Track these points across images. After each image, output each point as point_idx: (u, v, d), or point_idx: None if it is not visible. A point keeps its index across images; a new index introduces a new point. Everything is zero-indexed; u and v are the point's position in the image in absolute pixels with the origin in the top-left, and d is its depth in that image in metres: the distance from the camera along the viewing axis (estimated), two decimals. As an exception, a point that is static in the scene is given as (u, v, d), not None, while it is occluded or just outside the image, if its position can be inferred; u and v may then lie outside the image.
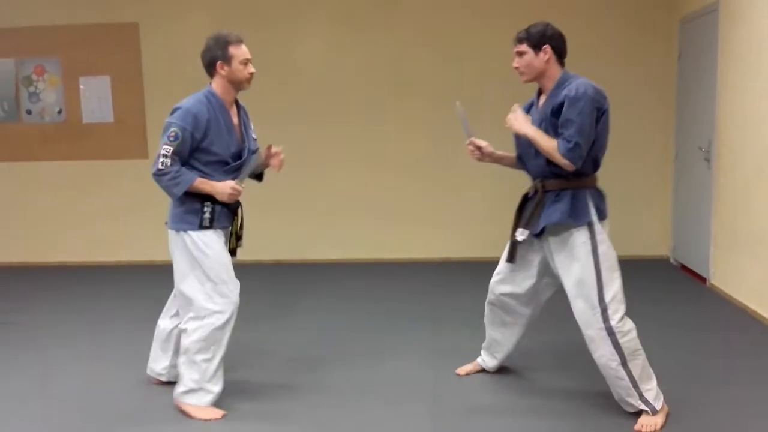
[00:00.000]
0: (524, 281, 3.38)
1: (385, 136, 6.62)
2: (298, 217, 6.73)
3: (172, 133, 3.17)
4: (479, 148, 3.33)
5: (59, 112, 6.80)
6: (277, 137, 6.61)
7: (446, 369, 3.77)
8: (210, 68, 3.32)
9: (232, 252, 3.44)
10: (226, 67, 3.26)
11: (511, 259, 3.33)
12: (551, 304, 3.52)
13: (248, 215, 6.78)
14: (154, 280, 6.17)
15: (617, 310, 3.06)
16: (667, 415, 3.11)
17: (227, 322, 3.23)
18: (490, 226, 6.60)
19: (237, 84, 3.32)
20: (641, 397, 3.05)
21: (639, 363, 3.05)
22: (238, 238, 3.49)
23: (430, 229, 6.66)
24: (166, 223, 3.38)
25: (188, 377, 3.23)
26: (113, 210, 6.87)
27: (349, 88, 6.59)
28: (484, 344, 3.70)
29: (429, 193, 6.66)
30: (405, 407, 3.31)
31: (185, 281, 3.26)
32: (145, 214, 6.85)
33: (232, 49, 3.25)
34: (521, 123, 3.11)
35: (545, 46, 3.05)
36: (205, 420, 3.19)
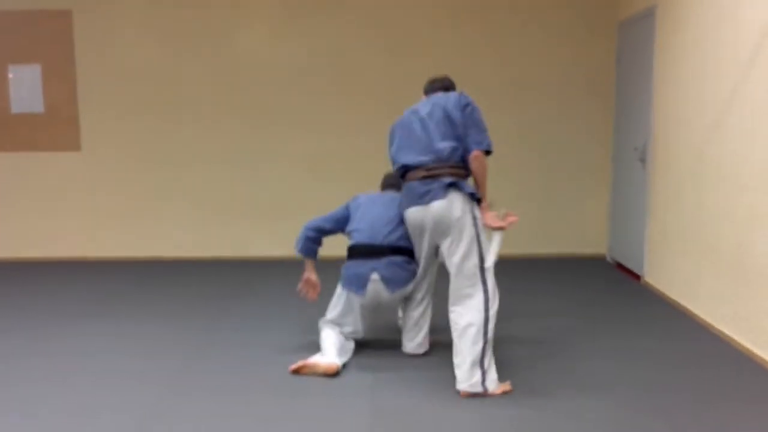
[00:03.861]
0: None
1: (327, 130, 6.56)
2: (238, 214, 6.62)
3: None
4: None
5: (-14, 100, 6.51)
6: (214, 131, 6.56)
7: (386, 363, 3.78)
8: (450, 90, 3.90)
9: None
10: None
11: None
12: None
13: (186, 211, 6.62)
14: (86, 276, 6.01)
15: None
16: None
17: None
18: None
19: None
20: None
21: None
22: None
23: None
24: (361, 301, 3.86)
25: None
26: (43, 204, 6.63)
27: (290, 80, 6.50)
28: None
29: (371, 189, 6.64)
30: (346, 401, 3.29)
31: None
32: (76, 208, 6.65)
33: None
34: (493, 221, 3.63)
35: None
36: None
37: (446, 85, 3.86)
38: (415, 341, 3.93)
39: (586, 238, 6.67)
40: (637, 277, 5.74)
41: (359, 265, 3.82)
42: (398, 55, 6.44)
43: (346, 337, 3.95)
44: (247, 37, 6.49)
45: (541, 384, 3.53)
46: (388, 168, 6.79)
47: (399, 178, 3.82)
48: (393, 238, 3.81)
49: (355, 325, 3.93)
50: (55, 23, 6.39)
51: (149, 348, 4.13)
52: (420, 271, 3.86)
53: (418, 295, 3.91)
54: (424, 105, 3.71)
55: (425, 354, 3.94)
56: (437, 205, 3.48)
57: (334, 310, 3.96)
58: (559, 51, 6.42)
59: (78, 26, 6.42)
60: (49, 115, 6.51)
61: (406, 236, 3.82)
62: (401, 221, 3.82)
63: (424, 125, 3.61)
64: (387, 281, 3.77)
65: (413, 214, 3.63)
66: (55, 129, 6.52)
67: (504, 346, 4.07)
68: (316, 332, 4.05)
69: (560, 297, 5.20)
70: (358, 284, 3.81)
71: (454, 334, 3.47)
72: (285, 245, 5.96)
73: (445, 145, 3.53)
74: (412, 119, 3.70)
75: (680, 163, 4.93)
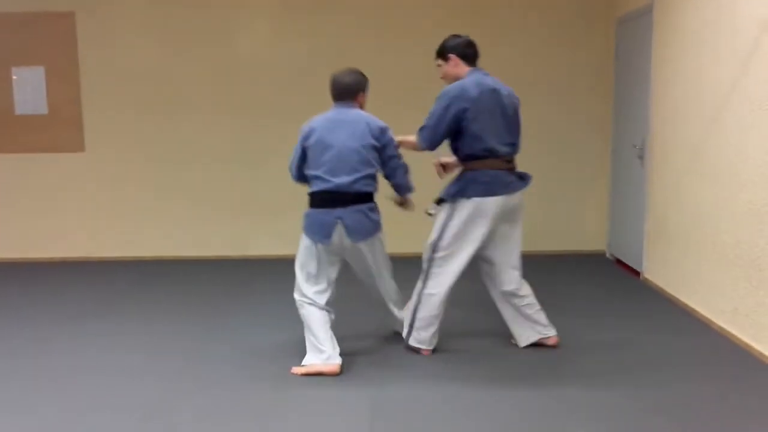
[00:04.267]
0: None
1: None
2: (240, 213, 6.67)
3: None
4: (443, 166, 4.10)
5: (-10, 102, 6.55)
6: (216, 131, 6.60)
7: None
8: (353, 94, 3.85)
9: None
10: (363, 98, 3.93)
11: None
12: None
13: (188, 211, 6.67)
14: (89, 276, 6.06)
15: (439, 265, 3.84)
16: None
17: None
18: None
19: (362, 109, 3.94)
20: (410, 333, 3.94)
21: (424, 316, 3.88)
22: None
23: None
24: (328, 243, 3.70)
25: None
26: (47, 204, 6.68)
27: (291, 79, 6.54)
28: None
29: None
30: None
31: (386, 266, 4.01)
32: (80, 208, 6.70)
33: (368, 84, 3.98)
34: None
35: (449, 55, 3.85)
36: None
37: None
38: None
39: (585, 234, 6.71)
40: (637, 273, 5.78)
41: (324, 214, 3.66)
42: (397, 54, 6.48)
43: (326, 308, 3.78)
44: (248, 36, 6.53)
45: (541, 379, 3.57)
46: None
47: (478, 159, 3.78)
48: (359, 185, 3.65)
49: (328, 279, 3.79)
50: (58, 25, 6.43)
51: (151, 347, 4.18)
52: (456, 252, 3.82)
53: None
54: (500, 87, 3.81)
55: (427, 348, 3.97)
56: (519, 195, 3.86)
57: (306, 268, 3.77)
58: (558, 49, 6.46)
59: (81, 28, 6.46)
60: (53, 116, 6.55)
61: (372, 177, 3.70)
62: (367, 157, 3.65)
63: (505, 115, 3.80)
64: (350, 230, 3.65)
65: (497, 202, 3.75)
66: (58, 130, 6.57)
67: (504, 341, 4.11)
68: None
69: (560, 293, 5.24)
70: (322, 233, 3.66)
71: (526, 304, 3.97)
72: (286, 244, 5.99)
73: (517, 142, 3.91)
74: (495, 103, 3.76)
75: (679, 159, 4.97)
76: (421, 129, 3.79)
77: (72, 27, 6.45)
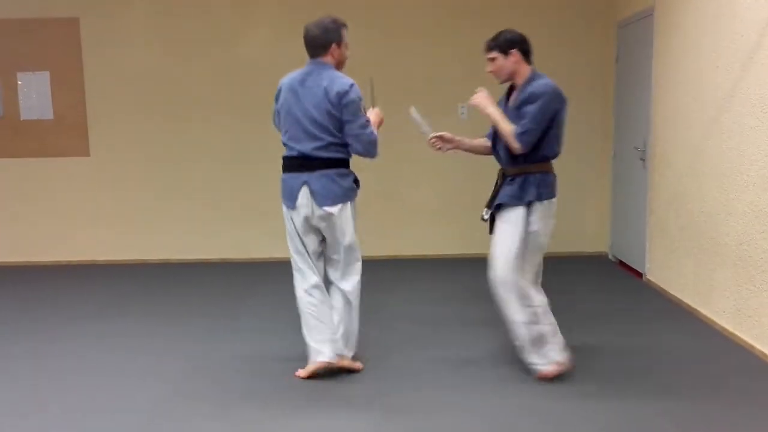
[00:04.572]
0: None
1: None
2: (245, 216, 6.70)
3: (362, 103, 3.48)
4: (441, 138, 3.72)
5: (-5, 108, 6.60)
6: (220, 135, 6.64)
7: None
8: (323, 49, 3.51)
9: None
10: (338, 50, 3.52)
11: (491, 231, 3.69)
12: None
13: (193, 215, 6.70)
14: (94, 279, 6.09)
15: (529, 280, 3.55)
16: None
17: None
18: (440, 224, 6.73)
19: (341, 65, 3.61)
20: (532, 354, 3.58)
21: (540, 332, 3.54)
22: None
23: (379, 226, 6.72)
24: (293, 207, 3.56)
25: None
26: (53, 209, 6.72)
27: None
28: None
29: (380, 190, 6.71)
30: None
31: (353, 241, 3.63)
32: (85, 212, 6.74)
33: (344, 33, 3.56)
34: (485, 101, 3.56)
35: (512, 50, 3.52)
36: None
37: None
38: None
39: (587, 236, 6.74)
40: (639, 274, 5.81)
41: (292, 178, 3.55)
42: (398, 55, 6.53)
43: (319, 295, 3.64)
44: (251, 41, 6.57)
45: (544, 382, 3.60)
46: (393, 166, 6.85)
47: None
48: (323, 152, 3.46)
49: (310, 250, 3.62)
50: (63, 31, 6.48)
51: (155, 349, 4.21)
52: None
53: None
54: None
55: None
56: None
57: (293, 242, 3.66)
58: (559, 51, 6.49)
59: (85, 33, 6.51)
60: (58, 121, 6.60)
61: (338, 144, 3.47)
62: (325, 125, 3.43)
63: None
64: (316, 195, 3.47)
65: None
66: (64, 135, 6.61)
67: (507, 343, 4.14)
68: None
69: (563, 295, 5.24)
70: (289, 197, 3.57)
71: None
72: (291, 247, 6.02)
73: None
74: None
75: (680, 160, 5.00)
76: (523, 133, 3.41)
77: (76, 33, 6.50)
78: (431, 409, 3.28)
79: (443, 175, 6.61)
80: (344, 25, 3.56)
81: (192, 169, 6.67)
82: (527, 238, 3.51)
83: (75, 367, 3.93)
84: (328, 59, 3.50)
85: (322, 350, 3.60)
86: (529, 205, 3.50)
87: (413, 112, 3.73)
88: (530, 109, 3.41)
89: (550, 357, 3.56)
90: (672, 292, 5.14)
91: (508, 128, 3.45)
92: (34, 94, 6.57)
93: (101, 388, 3.62)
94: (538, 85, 3.46)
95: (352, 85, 3.44)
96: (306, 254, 3.63)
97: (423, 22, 6.50)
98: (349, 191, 3.56)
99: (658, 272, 5.44)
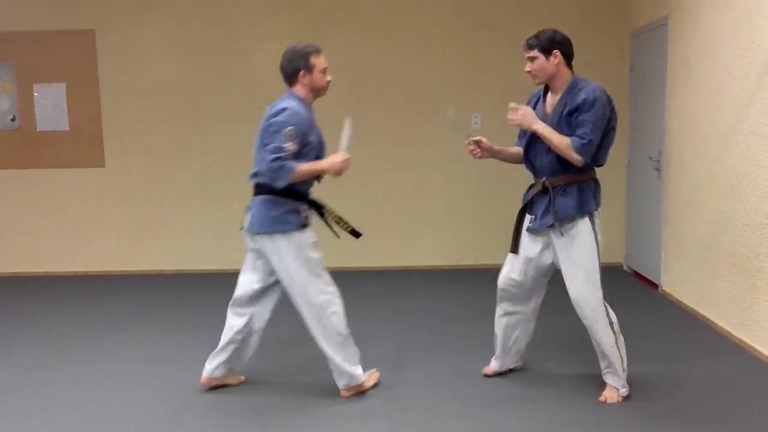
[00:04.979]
0: (529, 271, 3.54)
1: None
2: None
3: (291, 132, 3.28)
4: (478, 144, 3.50)
5: (12, 119, 6.67)
6: (235, 146, 6.67)
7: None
8: (292, 78, 3.45)
9: (355, 233, 3.67)
10: (308, 76, 3.42)
11: (514, 249, 3.54)
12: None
13: (208, 225, 6.70)
14: (110, 290, 6.13)
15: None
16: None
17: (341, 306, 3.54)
18: (452, 235, 6.72)
19: (318, 91, 3.50)
20: (622, 375, 3.42)
21: (623, 343, 3.42)
22: (341, 221, 3.65)
23: (390, 237, 6.72)
24: (241, 228, 3.51)
25: (350, 357, 3.53)
26: (68, 219, 6.77)
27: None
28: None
29: (391, 202, 6.71)
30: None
31: (297, 276, 3.43)
32: (101, 223, 6.79)
33: (313, 59, 3.42)
34: (530, 119, 3.34)
35: (555, 51, 3.35)
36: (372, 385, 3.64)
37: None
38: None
39: (602, 246, 6.67)
40: (655, 285, 5.76)
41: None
42: (412, 66, 6.54)
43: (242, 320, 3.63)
44: (265, 54, 6.58)
45: (561, 390, 3.58)
46: (401, 174, 6.85)
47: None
48: (258, 178, 3.39)
49: (258, 277, 3.60)
50: (79, 43, 6.55)
51: (171, 358, 4.24)
52: None
53: None
54: None
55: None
56: None
57: None
58: (574, 61, 6.47)
59: (101, 46, 6.57)
60: (74, 132, 6.66)
61: (286, 169, 3.27)
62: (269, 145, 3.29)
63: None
64: (251, 220, 3.44)
65: None
66: (79, 146, 6.67)
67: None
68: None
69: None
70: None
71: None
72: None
73: None
74: None
75: (695, 171, 4.96)
76: (586, 144, 3.23)
77: (92, 45, 6.56)
78: (448, 423, 3.26)
79: (454, 184, 6.60)
80: (314, 51, 3.42)
81: (207, 179, 6.70)
82: (600, 248, 3.38)
83: (92, 377, 3.96)
84: (298, 88, 3.44)
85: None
86: (590, 215, 3.37)
87: (450, 111, 3.57)
88: (587, 117, 3.23)
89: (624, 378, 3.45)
90: (688, 303, 5.09)
91: (564, 141, 3.25)
92: (50, 106, 6.64)
93: (118, 397, 3.65)
94: (590, 91, 3.28)
95: (284, 110, 3.31)
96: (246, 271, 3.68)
97: (436, 37, 6.51)
98: (279, 220, 3.37)
99: (674, 284, 5.39)
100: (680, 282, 5.27)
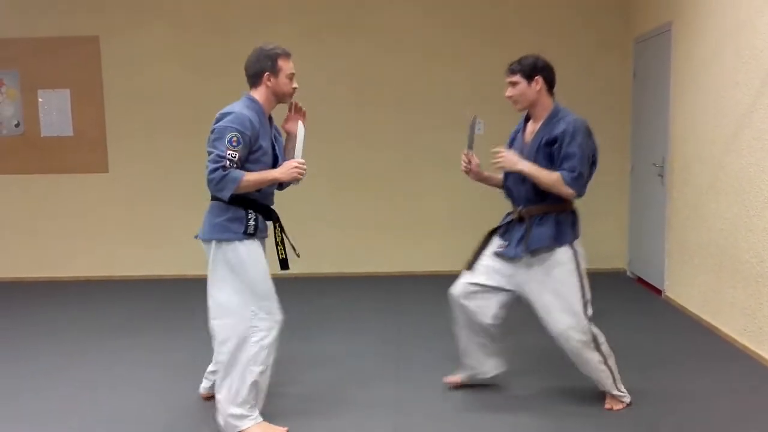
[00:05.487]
0: (492, 297, 3.45)
1: (346, 149, 6.66)
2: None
3: (234, 138, 3.03)
4: (470, 162, 3.46)
5: (17, 125, 6.70)
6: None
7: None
8: (255, 78, 3.21)
9: (284, 263, 3.40)
10: (273, 79, 3.18)
11: (470, 267, 3.47)
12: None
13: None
14: (113, 295, 6.13)
15: (591, 320, 3.31)
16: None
17: (274, 340, 3.17)
18: (451, 240, 6.71)
19: (281, 97, 3.25)
20: (619, 389, 3.41)
21: (614, 361, 3.38)
22: (283, 245, 3.42)
23: (392, 242, 6.72)
24: (196, 236, 3.28)
25: (241, 397, 3.10)
26: (72, 225, 6.79)
27: (311, 102, 6.60)
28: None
29: (392, 207, 6.71)
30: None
31: (223, 293, 3.19)
32: (104, 228, 6.80)
33: (281, 62, 3.20)
34: (513, 161, 3.27)
35: (537, 77, 3.25)
36: None
37: None
38: None
39: (605, 253, 6.68)
40: (659, 291, 5.75)
41: None
42: (412, 72, 6.56)
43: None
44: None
45: (565, 395, 3.57)
46: (401, 179, 6.88)
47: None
48: (211, 187, 3.13)
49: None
50: (84, 49, 6.57)
51: (174, 363, 4.23)
52: None
53: None
54: None
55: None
56: None
57: None
58: (576, 68, 6.48)
59: (105, 52, 6.60)
60: (78, 138, 6.68)
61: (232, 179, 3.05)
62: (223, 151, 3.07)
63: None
64: (201, 228, 3.24)
65: None
66: (83, 151, 6.69)
67: (529, 357, 4.10)
68: (335, 349, 4.07)
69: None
70: None
71: None
72: (306, 263, 6.03)
73: None
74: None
75: (699, 177, 4.96)
76: (577, 178, 3.18)
77: (96, 51, 6.59)
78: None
79: (456, 190, 6.60)
80: (283, 54, 3.21)
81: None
82: (584, 279, 3.31)
83: (95, 381, 3.96)
84: (260, 91, 3.20)
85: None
86: (570, 245, 3.33)
87: (473, 118, 3.49)
88: (572, 149, 3.15)
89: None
90: (692, 309, 5.08)
91: (551, 177, 3.18)
92: (55, 112, 6.66)
93: (120, 401, 3.64)
94: (570, 122, 3.20)
95: (226, 115, 3.10)
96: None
97: (437, 44, 6.52)
98: (219, 227, 3.16)
99: (678, 289, 5.38)
100: (684, 288, 5.26)
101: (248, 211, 3.17)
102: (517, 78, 3.28)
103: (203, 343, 4.59)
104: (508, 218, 3.45)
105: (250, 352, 3.10)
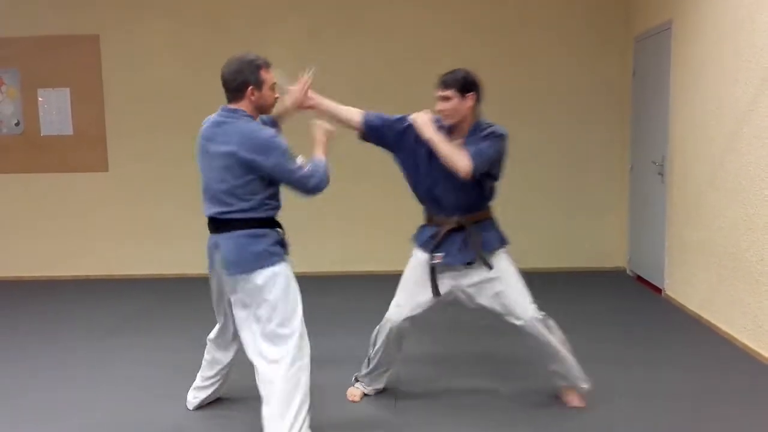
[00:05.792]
0: (426, 305, 3.46)
1: (348, 149, 6.65)
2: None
3: (287, 149, 3.02)
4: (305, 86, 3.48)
5: (17, 124, 6.70)
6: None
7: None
8: (237, 92, 3.01)
9: None
10: (256, 93, 3.02)
11: (437, 293, 3.37)
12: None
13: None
14: (113, 293, 6.14)
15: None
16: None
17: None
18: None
19: (264, 110, 3.14)
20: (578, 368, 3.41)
21: (568, 348, 3.41)
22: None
23: (394, 240, 6.71)
24: (228, 270, 3.02)
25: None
26: (72, 223, 6.79)
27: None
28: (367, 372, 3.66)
29: (394, 204, 6.72)
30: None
31: (291, 320, 3.04)
32: (104, 227, 6.80)
33: (263, 74, 3.05)
34: (426, 123, 3.20)
35: (471, 93, 3.19)
36: None
37: None
38: None
39: (605, 251, 6.69)
40: (658, 290, 5.75)
41: (210, 238, 3.18)
42: (414, 71, 6.53)
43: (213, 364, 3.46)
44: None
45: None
46: (401, 178, 6.84)
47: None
48: (233, 216, 2.97)
49: (224, 315, 3.31)
50: (83, 48, 6.57)
51: (174, 363, 4.22)
52: None
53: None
54: None
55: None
56: None
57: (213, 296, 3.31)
58: (576, 66, 6.49)
59: (105, 51, 6.60)
60: (78, 137, 6.68)
61: (253, 208, 2.97)
62: (235, 191, 2.97)
63: None
64: (224, 260, 3.01)
65: None
66: (83, 150, 6.69)
67: (530, 358, 4.11)
68: (335, 349, 4.07)
69: (581, 310, 5.22)
70: (209, 259, 3.19)
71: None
72: (308, 262, 6.04)
73: None
74: None
75: (699, 175, 4.96)
76: (478, 155, 3.10)
77: (96, 50, 6.59)
78: None
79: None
80: (264, 65, 3.05)
81: (209, 184, 6.71)
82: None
83: (95, 380, 3.97)
84: (244, 105, 3.00)
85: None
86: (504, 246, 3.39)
87: (279, 73, 3.27)
88: (487, 142, 3.13)
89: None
90: (692, 307, 5.08)
91: (451, 149, 3.10)
92: (55, 110, 6.66)
93: (121, 400, 3.65)
94: (497, 128, 3.19)
95: (260, 136, 2.95)
96: (219, 316, 3.43)
97: (438, 43, 6.52)
98: (264, 255, 2.99)
99: (678, 288, 5.38)
100: (684, 286, 5.26)
101: (277, 230, 3.09)
102: (450, 93, 3.18)
103: (203, 343, 4.60)
104: (436, 230, 3.36)
105: (303, 381, 3.04)
